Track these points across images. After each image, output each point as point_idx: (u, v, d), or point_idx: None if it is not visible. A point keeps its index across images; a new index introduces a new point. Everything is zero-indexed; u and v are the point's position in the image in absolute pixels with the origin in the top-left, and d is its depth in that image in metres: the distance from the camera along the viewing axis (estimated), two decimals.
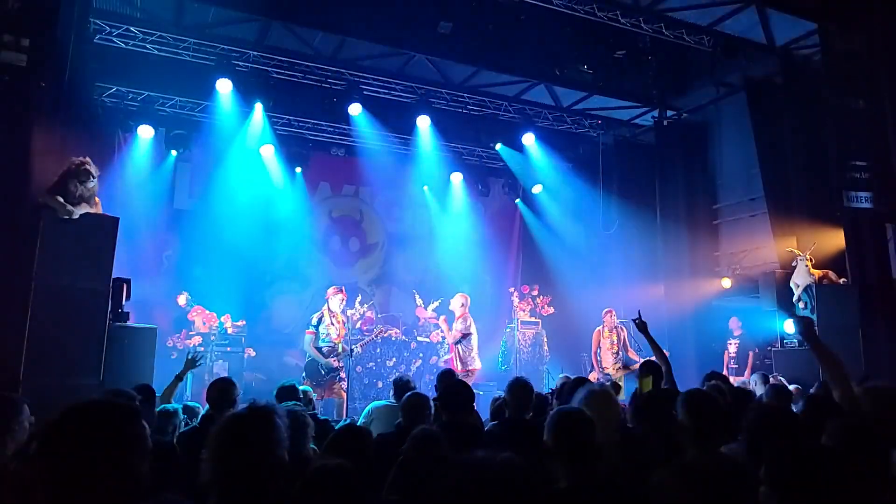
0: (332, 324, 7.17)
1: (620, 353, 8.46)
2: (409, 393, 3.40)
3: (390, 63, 9.16)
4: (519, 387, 3.07)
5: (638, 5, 7.66)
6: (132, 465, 1.38)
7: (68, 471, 1.33)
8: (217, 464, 1.55)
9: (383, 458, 2.50)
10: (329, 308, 7.24)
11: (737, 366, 8.07)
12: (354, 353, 7.39)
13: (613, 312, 8.57)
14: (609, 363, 8.43)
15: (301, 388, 4.37)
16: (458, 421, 2.81)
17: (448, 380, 3.79)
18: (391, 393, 4.53)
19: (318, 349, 7.06)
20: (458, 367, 7.58)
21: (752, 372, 7.78)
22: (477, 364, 7.92)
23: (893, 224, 7.17)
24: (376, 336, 8.30)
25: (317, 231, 11.01)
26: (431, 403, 3.29)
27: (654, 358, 4.24)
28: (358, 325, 9.36)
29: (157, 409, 3.63)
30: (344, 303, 7.47)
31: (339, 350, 7.15)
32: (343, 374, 7.19)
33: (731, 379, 6.00)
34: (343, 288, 7.58)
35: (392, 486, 2.35)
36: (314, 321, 7.17)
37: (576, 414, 2.14)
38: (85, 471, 1.33)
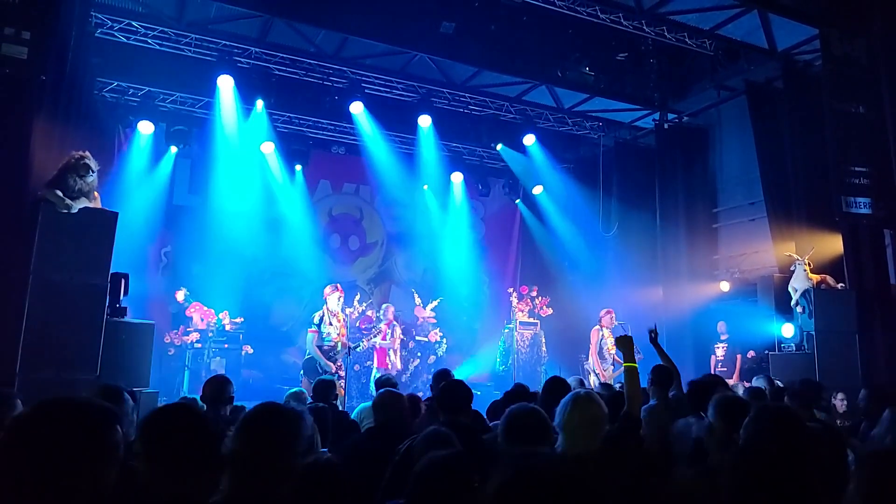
0: (332, 323, 7.15)
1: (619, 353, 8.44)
2: (382, 390, 3.41)
3: (392, 62, 9.15)
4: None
5: (640, 8, 7.66)
6: (100, 475, 1.27)
7: (29, 471, 1.20)
8: (240, 444, 1.62)
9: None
10: (328, 307, 7.23)
11: (724, 369, 8.07)
12: (358, 349, 7.44)
13: (612, 313, 8.54)
14: (607, 363, 8.41)
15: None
16: (454, 421, 2.80)
17: (445, 379, 3.77)
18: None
19: (320, 348, 7.05)
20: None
21: (741, 375, 7.81)
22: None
23: (892, 230, 7.19)
24: (372, 342, 8.20)
25: (316, 229, 10.99)
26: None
27: (661, 363, 4.27)
28: (357, 325, 9.36)
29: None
30: (342, 301, 7.45)
31: (339, 349, 7.14)
32: (342, 373, 7.18)
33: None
34: (339, 286, 7.55)
35: (393, 486, 2.32)
36: (316, 320, 7.14)
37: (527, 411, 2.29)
38: (47, 475, 1.20)
